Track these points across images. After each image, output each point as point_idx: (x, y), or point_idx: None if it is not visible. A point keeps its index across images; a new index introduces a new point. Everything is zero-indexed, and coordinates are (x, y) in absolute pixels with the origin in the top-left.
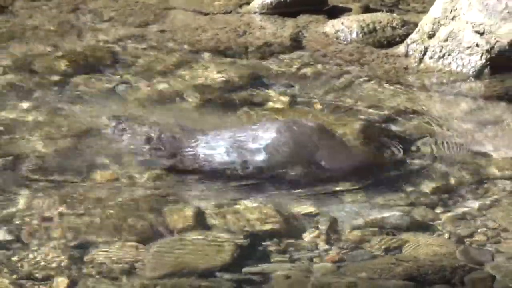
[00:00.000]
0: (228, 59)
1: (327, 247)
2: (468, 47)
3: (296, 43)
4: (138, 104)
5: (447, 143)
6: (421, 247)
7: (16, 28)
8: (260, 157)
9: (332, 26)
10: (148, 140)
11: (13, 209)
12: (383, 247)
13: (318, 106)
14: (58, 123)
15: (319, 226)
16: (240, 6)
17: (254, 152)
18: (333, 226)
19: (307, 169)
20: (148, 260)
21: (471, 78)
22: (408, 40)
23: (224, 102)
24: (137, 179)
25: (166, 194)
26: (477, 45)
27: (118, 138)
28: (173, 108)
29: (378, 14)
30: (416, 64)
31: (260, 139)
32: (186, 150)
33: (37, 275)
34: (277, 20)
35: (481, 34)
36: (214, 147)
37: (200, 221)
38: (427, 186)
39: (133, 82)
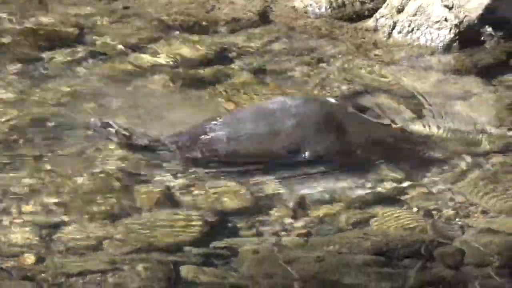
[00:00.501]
0: (197, 35)
1: (295, 222)
2: (437, 22)
3: (265, 18)
4: (106, 81)
5: (415, 117)
6: (390, 222)
7: None
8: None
9: (300, 0)
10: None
11: None
12: (351, 221)
13: (288, 81)
14: (25, 97)
15: (287, 203)
16: None
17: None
18: (301, 202)
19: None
20: (117, 236)
21: (439, 52)
22: (377, 15)
23: (193, 78)
24: (107, 156)
25: (135, 172)
26: (446, 20)
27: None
28: (141, 86)
29: None
30: (385, 38)
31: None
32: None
33: (4, 251)
34: None
35: (450, 8)
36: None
37: (169, 199)
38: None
39: (100, 58)
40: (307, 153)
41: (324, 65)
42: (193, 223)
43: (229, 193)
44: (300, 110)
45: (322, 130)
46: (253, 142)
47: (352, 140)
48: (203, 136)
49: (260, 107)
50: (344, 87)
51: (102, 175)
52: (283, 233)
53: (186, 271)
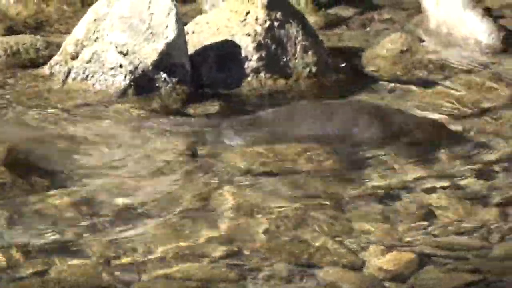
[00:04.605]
0: None
1: None
2: (112, 68)
3: None
4: None
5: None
6: (69, 270)
7: None
8: None
9: None
10: None
11: None
12: (29, 270)
13: None
14: None
15: None
16: None
17: None
18: None
19: None
20: None
21: (115, 99)
22: (52, 62)
23: None
24: None
25: None
26: (121, 66)
27: None
28: None
29: (21, 35)
30: (59, 85)
31: None
32: None
33: None
34: None
35: (125, 54)
36: None
37: None
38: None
39: None
40: None
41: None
42: None
43: None
44: None
45: None
46: None
47: None
48: None
49: None
50: (19, 137)
51: None
52: None
53: None
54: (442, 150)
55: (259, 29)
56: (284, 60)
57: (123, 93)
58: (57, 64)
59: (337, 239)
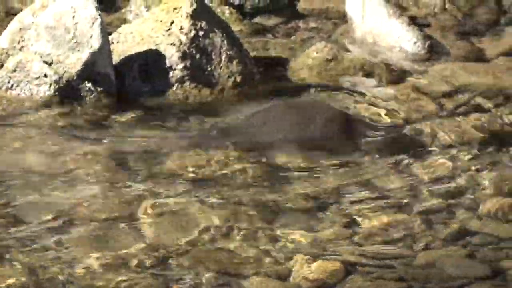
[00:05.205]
0: None
1: None
2: (37, 78)
3: None
4: None
5: None
6: None
7: None
8: None
9: None
10: None
11: None
12: None
13: None
14: None
15: None
16: None
17: None
18: None
19: None
20: None
21: (40, 108)
22: None
23: None
24: None
25: None
26: (46, 76)
27: None
28: None
29: None
30: None
31: None
32: None
33: None
34: None
35: (50, 64)
36: None
37: None
38: None
39: None
40: None
41: None
42: None
43: None
44: None
45: None
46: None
47: None
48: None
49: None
50: None
51: None
52: None
53: None
54: (368, 160)
55: (183, 38)
56: (209, 69)
57: (48, 102)
58: None
59: (263, 248)
